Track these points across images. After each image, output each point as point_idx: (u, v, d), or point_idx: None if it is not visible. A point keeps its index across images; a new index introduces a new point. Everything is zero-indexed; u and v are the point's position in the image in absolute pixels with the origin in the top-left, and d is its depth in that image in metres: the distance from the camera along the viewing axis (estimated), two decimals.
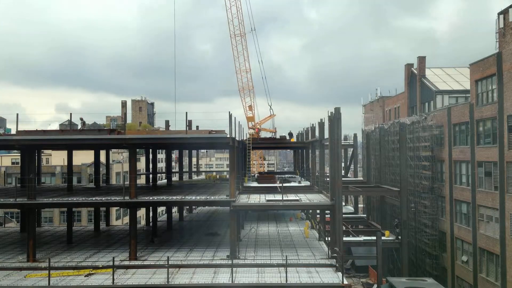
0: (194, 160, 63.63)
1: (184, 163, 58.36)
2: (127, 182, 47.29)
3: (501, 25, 32.07)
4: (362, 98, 73.96)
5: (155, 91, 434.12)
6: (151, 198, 28.84)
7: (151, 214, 40.15)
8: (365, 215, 54.26)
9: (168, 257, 25.24)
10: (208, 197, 29.20)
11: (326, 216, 36.50)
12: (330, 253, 28.17)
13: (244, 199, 31.21)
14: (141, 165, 70.83)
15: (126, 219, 68.57)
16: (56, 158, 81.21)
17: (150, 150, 44.31)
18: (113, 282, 23.54)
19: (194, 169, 62.87)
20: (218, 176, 58.71)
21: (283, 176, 56.33)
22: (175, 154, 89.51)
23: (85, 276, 24.81)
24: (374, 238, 37.22)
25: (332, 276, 24.54)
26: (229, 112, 29.04)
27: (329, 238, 30.35)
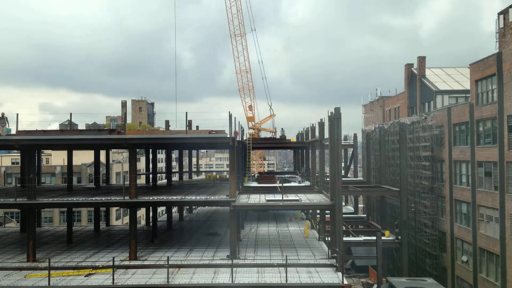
0: (194, 160, 63.63)
1: (184, 163, 58.36)
2: (127, 182, 47.31)
3: (501, 25, 32.06)
4: (362, 98, 74.03)
5: (138, 90, 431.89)
6: (151, 198, 28.84)
7: (151, 214, 40.14)
8: (365, 215, 54.27)
9: (168, 257, 25.23)
10: (208, 197, 29.19)
11: (326, 216, 36.49)
12: (330, 253, 28.18)
13: (244, 199, 31.21)
14: (141, 165, 70.83)
15: (126, 219, 68.58)
16: (56, 158, 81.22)
17: (150, 150, 44.30)
18: (113, 282, 23.54)
19: (194, 169, 62.87)
20: (218, 176, 58.70)
21: (283, 176, 56.36)
22: (175, 154, 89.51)
23: (85, 276, 24.81)
24: (374, 238, 37.21)
25: (332, 276, 24.55)
26: (229, 112, 29.11)
27: (329, 238, 30.36)
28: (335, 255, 26.76)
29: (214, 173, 67.16)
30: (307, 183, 44.77)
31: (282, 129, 58.61)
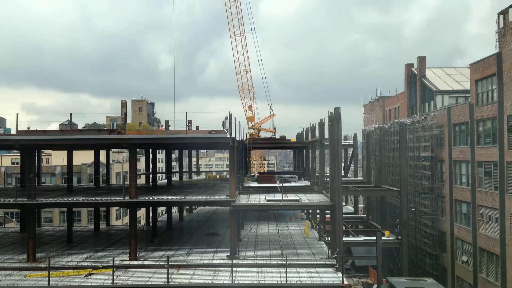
0: (194, 160, 63.64)
1: (184, 163, 58.36)
2: (127, 182, 47.30)
3: (501, 25, 32.05)
4: (362, 98, 74.04)
5: (120, 90, 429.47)
6: (151, 198, 28.85)
7: (151, 214, 40.14)
8: (365, 215, 54.21)
9: (168, 257, 25.25)
10: (208, 197, 29.20)
11: (326, 216, 36.49)
12: (330, 253, 28.18)
13: (244, 199, 31.21)
14: (141, 165, 70.82)
15: (126, 219, 68.56)
16: (56, 158, 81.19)
17: (150, 150, 44.32)
18: (113, 282, 23.55)
19: (194, 169, 62.88)
20: (218, 176, 58.71)
21: (283, 176, 56.34)
22: (175, 154, 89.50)
23: (85, 276, 24.82)
24: (374, 238, 37.18)
25: (332, 276, 24.55)
26: (229, 112, 29.11)
27: (329, 238, 30.35)
28: (335, 255, 26.76)
29: (214, 173, 67.19)
30: (307, 183, 44.77)
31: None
